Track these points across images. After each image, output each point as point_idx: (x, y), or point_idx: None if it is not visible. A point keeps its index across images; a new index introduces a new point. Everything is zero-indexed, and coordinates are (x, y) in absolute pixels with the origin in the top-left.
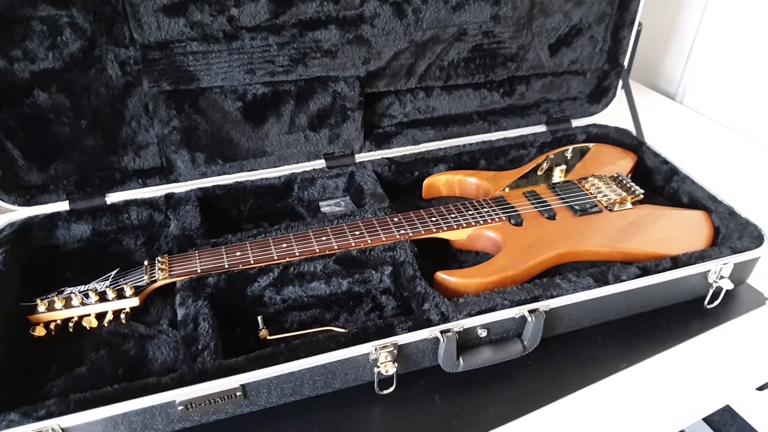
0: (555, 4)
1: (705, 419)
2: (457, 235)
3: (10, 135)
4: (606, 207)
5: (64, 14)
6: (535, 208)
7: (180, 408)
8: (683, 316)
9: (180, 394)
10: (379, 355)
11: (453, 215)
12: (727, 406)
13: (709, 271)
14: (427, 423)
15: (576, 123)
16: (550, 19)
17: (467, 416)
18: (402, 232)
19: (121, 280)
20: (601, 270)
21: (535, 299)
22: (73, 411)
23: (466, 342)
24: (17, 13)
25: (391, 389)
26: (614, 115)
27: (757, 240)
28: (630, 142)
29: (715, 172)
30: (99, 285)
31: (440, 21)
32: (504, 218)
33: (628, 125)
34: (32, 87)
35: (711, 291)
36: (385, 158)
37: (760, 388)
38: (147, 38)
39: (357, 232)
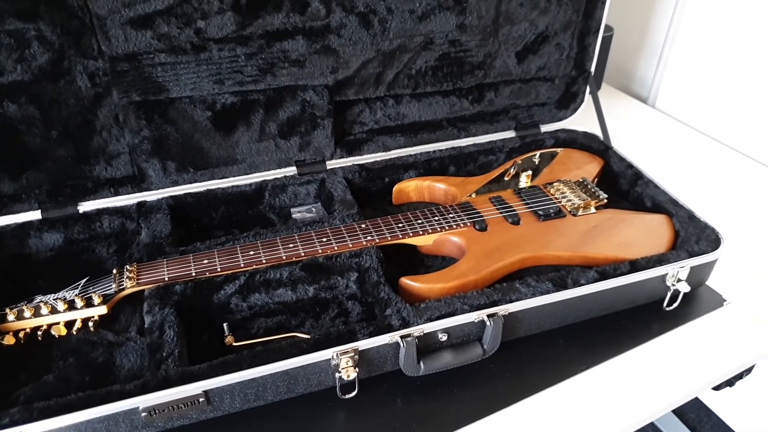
0: (520, 13)
1: (680, 418)
2: (423, 241)
3: None
4: (570, 212)
5: (31, 27)
6: (500, 213)
7: (144, 414)
8: (643, 318)
9: (143, 401)
10: (340, 361)
11: (419, 221)
12: (702, 404)
13: (666, 274)
14: (389, 426)
15: (545, 128)
16: (516, 27)
17: (428, 419)
18: (369, 238)
19: (91, 288)
20: (560, 274)
21: (494, 303)
22: (36, 419)
23: (426, 346)
24: None
25: (354, 394)
26: (584, 119)
27: (714, 243)
28: (597, 146)
29: (681, 175)
30: (68, 294)
31: (406, 31)
32: (469, 224)
33: (597, 130)
34: (1, 99)
35: (669, 294)
36: (356, 165)
37: (717, 388)
38: (115, 50)
39: (324, 239)
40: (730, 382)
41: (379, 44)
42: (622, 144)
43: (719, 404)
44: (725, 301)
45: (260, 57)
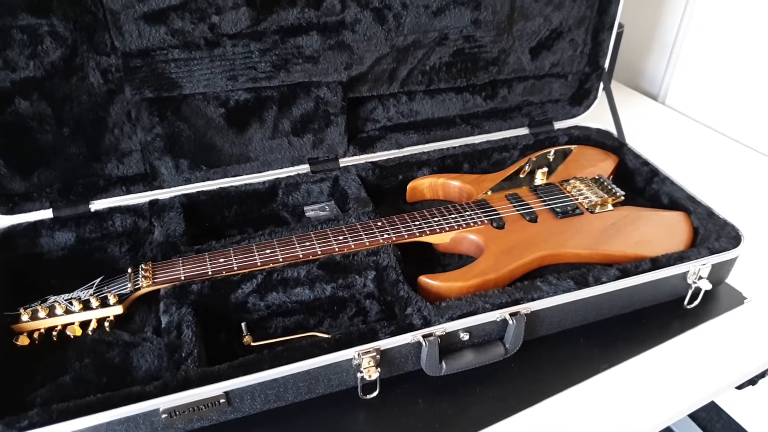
0: (535, 9)
1: (691, 416)
2: (440, 239)
3: None
4: (587, 209)
5: (44, 23)
6: (517, 210)
7: (164, 416)
8: (664, 316)
9: (163, 402)
10: (362, 361)
11: (436, 219)
12: (713, 402)
13: (687, 272)
14: (411, 427)
15: (558, 125)
16: (531, 23)
17: (450, 419)
18: (385, 236)
19: (105, 288)
20: (581, 272)
21: (516, 302)
22: (56, 421)
23: (448, 346)
24: None
25: (375, 394)
26: (596, 116)
27: (734, 240)
28: (611, 143)
29: (696, 172)
30: (83, 293)
31: (421, 26)
32: (486, 221)
33: (610, 127)
34: (13, 95)
35: (690, 291)
36: (370, 162)
37: (740, 387)
38: (128, 46)
39: (341, 237)
40: (752, 381)
41: (394, 40)
42: (633, 141)
43: (730, 403)
44: (746, 299)
45: (274, 53)
